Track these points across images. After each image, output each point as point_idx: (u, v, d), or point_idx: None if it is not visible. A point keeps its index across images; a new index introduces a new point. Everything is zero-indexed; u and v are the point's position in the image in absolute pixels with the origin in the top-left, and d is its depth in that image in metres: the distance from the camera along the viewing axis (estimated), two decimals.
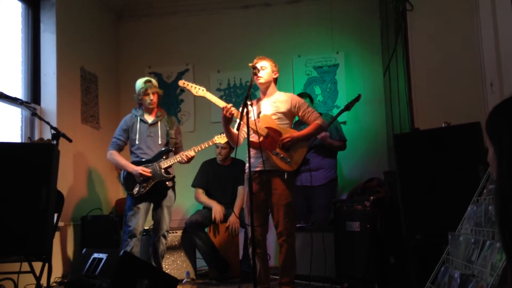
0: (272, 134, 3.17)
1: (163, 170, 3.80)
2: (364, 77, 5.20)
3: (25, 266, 2.94)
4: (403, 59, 3.88)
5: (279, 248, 3.23)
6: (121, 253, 2.99)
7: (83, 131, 4.78)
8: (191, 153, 3.84)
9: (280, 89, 3.40)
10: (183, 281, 4.20)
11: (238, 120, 3.02)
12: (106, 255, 3.30)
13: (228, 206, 4.33)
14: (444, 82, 3.51)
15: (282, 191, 3.14)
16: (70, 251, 4.41)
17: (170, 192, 3.90)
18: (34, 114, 3.57)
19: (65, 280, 3.93)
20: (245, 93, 2.98)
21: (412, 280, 2.82)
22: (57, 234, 4.10)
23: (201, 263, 4.47)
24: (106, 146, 3.99)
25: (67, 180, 4.42)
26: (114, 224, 4.31)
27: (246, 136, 3.13)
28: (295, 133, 3.21)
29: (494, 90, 3.02)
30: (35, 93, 4.33)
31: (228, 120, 3.15)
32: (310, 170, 4.13)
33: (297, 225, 3.50)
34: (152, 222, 3.98)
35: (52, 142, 3.23)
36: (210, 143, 3.94)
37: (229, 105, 3.10)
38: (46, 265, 3.02)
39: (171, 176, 3.86)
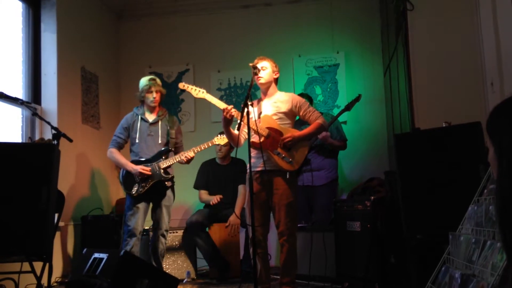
0: (273, 134, 3.17)
1: (162, 170, 3.80)
2: (365, 77, 5.21)
3: (26, 266, 2.95)
4: (404, 59, 3.88)
5: (280, 248, 3.23)
6: (122, 253, 2.99)
7: (84, 131, 4.78)
8: (190, 154, 3.84)
9: (280, 89, 3.40)
10: (184, 281, 4.20)
11: (238, 121, 3.03)
12: (107, 255, 3.30)
13: (228, 205, 4.33)
14: (444, 81, 3.51)
15: (283, 191, 3.14)
16: (70, 251, 4.42)
17: (169, 192, 3.90)
18: (34, 114, 3.57)
19: (66, 280, 3.93)
20: (246, 93, 2.98)
21: (413, 280, 2.81)
22: (57, 234, 4.10)
23: (201, 263, 4.47)
24: (106, 146, 3.98)
25: (68, 180, 4.43)
26: (115, 224, 4.32)
27: (246, 136, 3.13)
28: (296, 133, 3.21)
29: (495, 90, 3.02)
30: (36, 93, 4.33)
31: (228, 122, 3.15)
32: (312, 170, 4.13)
33: (298, 225, 3.50)
34: (151, 222, 3.98)
35: (53, 142, 3.23)
36: (210, 144, 3.94)
37: (230, 107, 3.10)
38: (47, 265, 3.02)
39: (170, 176, 3.86)
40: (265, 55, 3.35)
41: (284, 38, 5.37)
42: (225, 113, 3.10)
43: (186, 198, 5.09)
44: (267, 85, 3.29)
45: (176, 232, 4.39)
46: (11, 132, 4.09)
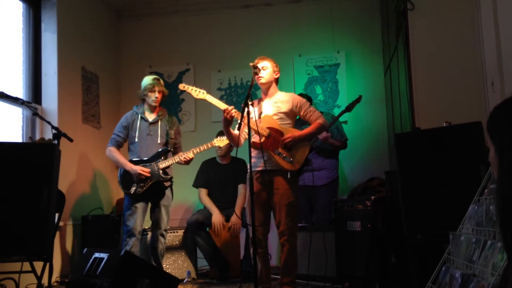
0: (274, 134, 3.17)
1: (161, 171, 3.79)
2: (365, 77, 5.20)
3: (26, 266, 2.95)
4: (404, 59, 3.88)
5: (280, 247, 3.23)
6: (122, 252, 2.99)
7: (84, 130, 4.78)
8: (189, 155, 3.84)
9: (281, 89, 3.40)
10: (184, 281, 4.21)
11: (238, 120, 3.03)
12: (107, 254, 3.30)
13: (228, 205, 4.33)
14: (445, 81, 3.51)
15: (284, 191, 3.14)
16: (71, 251, 4.42)
17: (167, 192, 3.89)
18: (35, 114, 3.57)
19: (66, 280, 3.93)
20: (246, 92, 2.98)
21: (413, 279, 2.81)
22: (58, 234, 4.10)
23: (202, 263, 4.47)
24: (106, 145, 3.98)
25: (68, 179, 4.43)
26: (115, 223, 4.31)
27: (246, 136, 3.13)
28: (297, 133, 3.21)
29: (495, 90, 3.02)
30: (36, 93, 4.33)
31: (228, 122, 3.15)
32: (313, 170, 4.13)
33: (299, 225, 3.50)
34: (150, 223, 3.97)
35: (53, 142, 3.23)
36: (209, 146, 3.94)
37: (230, 107, 3.10)
38: (47, 264, 3.02)
39: (169, 177, 3.85)
40: (266, 54, 3.35)
41: (285, 37, 5.37)
42: (225, 114, 3.10)
43: (186, 198, 5.09)
44: (268, 85, 3.29)
45: (177, 232, 4.39)
46: (12, 132, 4.09)
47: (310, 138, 3.41)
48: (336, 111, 4.96)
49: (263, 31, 5.42)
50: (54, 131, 3.25)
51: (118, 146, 3.91)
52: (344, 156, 4.73)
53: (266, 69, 3.26)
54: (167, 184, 3.87)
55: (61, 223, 4.05)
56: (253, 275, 2.90)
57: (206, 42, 5.52)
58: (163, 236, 3.88)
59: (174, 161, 3.83)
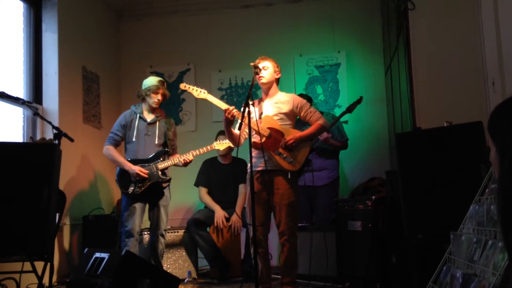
0: (275, 135, 3.17)
1: (160, 172, 3.79)
2: (366, 77, 5.20)
3: (27, 266, 2.95)
4: (405, 58, 3.88)
5: (281, 247, 3.23)
6: (123, 252, 2.99)
7: (85, 130, 4.78)
8: (189, 157, 3.84)
9: (281, 89, 3.40)
10: (185, 281, 4.20)
11: (239, 120, 3.03)
12: (108, 254, 3.30)
13: (229, 205, 4.34)
14: (445, 81, 3.50)
15: (284, 191, 3.14)
16: (71, 251, 4.42)
17: (166, 191, 3.89)
18: (36, 113, 3.57)
19: (67, 280, 3.93)
20: (247, 92, 2.99)
21: (414, 279, 2.81)
22: (58, 234, 4.10)
23: (202, 263, 4.47)
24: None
25: (69, 179, 4.43)
26: (116, 223, 4.31)
27: (247, 136, 3.13)
28: (298, 134, 3.21)
29: (496, 89, 3.01)
30: (37, 93, 4.33)
31: (230, 122, 3.15)
32: (313, 170, 4.13)
33: (299, 225, 3.50)
34: (149, 223, 3.97)
35: (54, 142, 3.23)
36: (209, 148, 3.94)
37: (231, 107, 3.10)
38: (48, 264, 3.03)
39: (168, 178, 3.85)
40: (266, 54, 3.35)
41: (285, 37, 5.37)
42: (226, 114, 3.10)
43: (187, 198, 5.09)
44: (269, 85, 3.29)
45: (177, 232, 4.39)
46: (13, 132, 4.09)
47: (311, 139, 3.42)
48: (337, 111, 4.96)
49: (264, 31, 5.42)
50: (54, 131, 3.25)
51: (116, 145, 3.90)
52: (345, 156, 4.73)
53: (267, 69, 3.26)
54: (165, 184, 3.87)
55: (61, 223, 4.06)
56: (254, 275, 2.90)
57: (206, 42, 5.52)
58: (163, 236, 3.88)
59: (173, 163, 3.83)
